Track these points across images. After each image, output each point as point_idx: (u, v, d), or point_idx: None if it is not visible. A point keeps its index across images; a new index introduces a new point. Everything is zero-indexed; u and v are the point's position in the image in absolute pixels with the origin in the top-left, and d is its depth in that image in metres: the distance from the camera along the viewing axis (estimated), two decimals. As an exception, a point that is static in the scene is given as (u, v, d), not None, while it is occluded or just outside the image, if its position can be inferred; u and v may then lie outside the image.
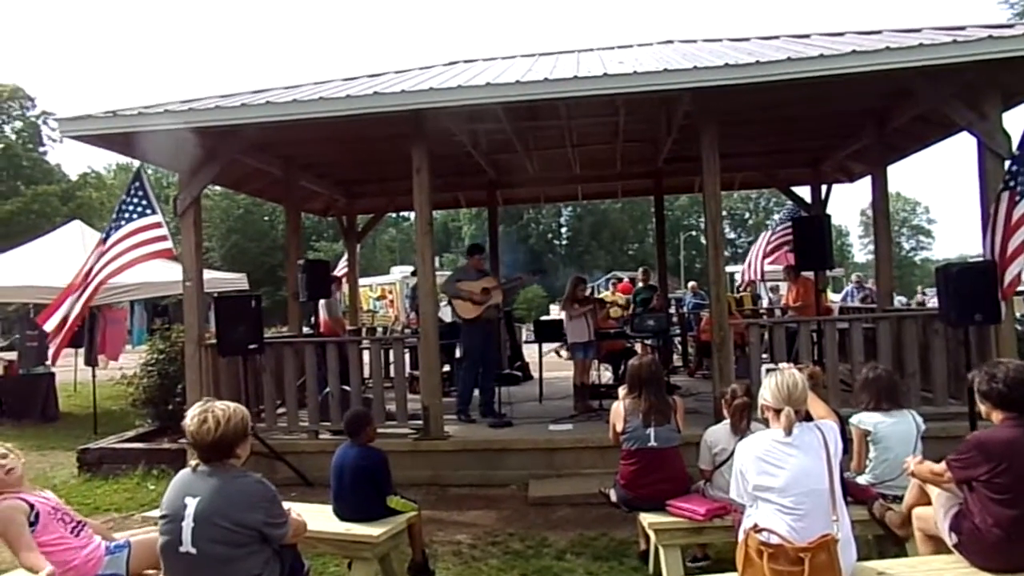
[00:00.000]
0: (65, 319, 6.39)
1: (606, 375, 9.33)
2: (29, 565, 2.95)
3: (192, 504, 2.55)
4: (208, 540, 2.51)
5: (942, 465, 3.13)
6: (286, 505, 3.23)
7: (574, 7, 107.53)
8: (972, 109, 5.55)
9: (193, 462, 2.68)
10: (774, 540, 2.78)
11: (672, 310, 12.65)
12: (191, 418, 2.64)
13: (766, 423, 3.11)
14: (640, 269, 12.32)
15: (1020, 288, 5.68)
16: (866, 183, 8.27)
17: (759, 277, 12.04)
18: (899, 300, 17.69)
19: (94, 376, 9.84)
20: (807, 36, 6.68)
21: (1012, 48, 5.03)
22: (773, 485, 2.83)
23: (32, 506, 3.09)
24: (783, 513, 2.80)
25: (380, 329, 15.49)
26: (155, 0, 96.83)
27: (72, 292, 6.46)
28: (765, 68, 5.34)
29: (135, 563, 3.21)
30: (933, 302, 16.18)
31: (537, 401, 8.37)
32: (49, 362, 7.05)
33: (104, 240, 6.40)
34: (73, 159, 73.72)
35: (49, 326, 6.48)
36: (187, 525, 2.53)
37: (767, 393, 3.00)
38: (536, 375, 9.18)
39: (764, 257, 11.43)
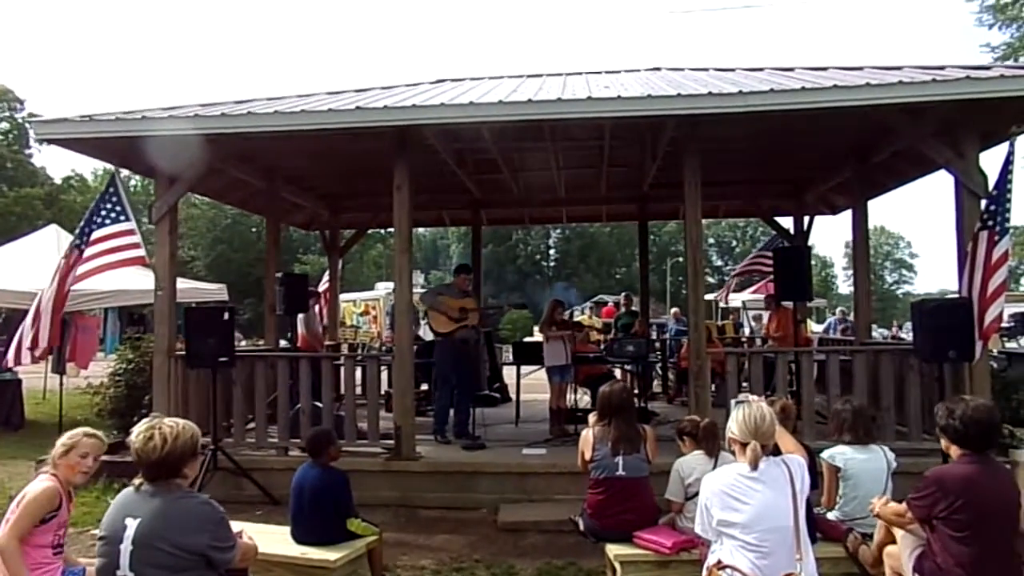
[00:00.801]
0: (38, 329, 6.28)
1: (584, 399, 9.26)
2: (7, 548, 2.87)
3: (132, 526, 2.43)
4: (147, 564, 2.40)
5: (903, 506, 3.12)
6: (239, 526, 3.12)
7: (567, 32, 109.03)
8: (950, 147, 5.61)
9: (137, 481, 2.57)
10: (737, 578, 2.71)
11: (654, 335, 12.64)
12: (136, 434, 2.54)
13: (734, 455, 3.05)
14: (622, 294, 12.32)
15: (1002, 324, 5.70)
16: (849, 216, 8.33)
17: (725, 300, 12.09)
18: (879, 333, 17.85)
19: (61, 384, 9.62)
20: (791, 69, 6.75)
21: (989, 89, 5.09)
22: (737, 520, 2.77)
23: (59, 506, 3.05)
24: (746, 550, 2.74)
25: (360, 345, 15.36)
26: (154, 10, 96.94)
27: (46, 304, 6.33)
28: (748, 99, 5.36)
29: None
30: (905, 335, 16.41)
31: (513, 424, 8.27)
32: (11, 364, 6.87)
33: (79, 247, 6.24)
34: (59, 162, 73.17)
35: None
36: (125, 548, 2.41)
37: (734, 426, 2.95)
38: (514, 397, 9.09)
39: (733, 278, 11.48)
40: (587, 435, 4.11)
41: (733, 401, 3.53)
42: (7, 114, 39.63)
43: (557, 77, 7.76)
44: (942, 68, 5.68)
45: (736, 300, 18.05)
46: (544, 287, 45.75)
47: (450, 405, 7.26)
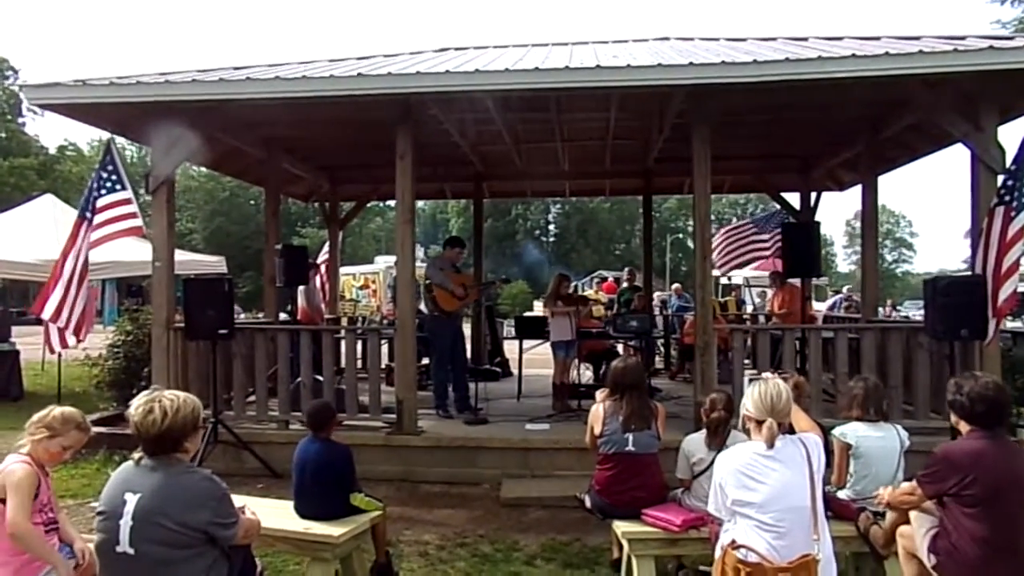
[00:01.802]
0: (62, 304, 6.13)
1: (587, 375, 9.21)
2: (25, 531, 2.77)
3: (132, 501, 2.36)
4: (148, 540, 2.32)
5: (912, 484, 3.08)
6: (241, 501, 3.05)
7: (571, 4, 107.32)
8: (969, 121, 5.47)
9: (136, 455, 2.48)
10: (752, 558, 2.65)
11: (657, 312, 12.56)
12: (136, 407, 2.45)
13: (748, 433, 2.98)
14: (625, 269, 12.22)
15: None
16: (852, 193, 8.21)
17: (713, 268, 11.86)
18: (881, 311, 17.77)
19: (60, 356, 9.54)
20: (805, 39, 6.56)
21: (1012, 60, 4.94)
22: (753, 500, 2.70)
23: (38, 486, 2.88)
24: (762, 530, 2.67)
25: (360, 318, 15.29)
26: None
27: (59, 277, 6.17)
28: (762, 68, 5.21)
29: (83, 570, 3.00)
30: (895, 316, 16.27)
31: (515, 399, 8.23)
32: (59, 349, 6.69)
33: (88, 219, 6.09)
34: (54, 132, 72.02)
35: (46, 313, 6.21)
36: (125, 523, 2.33)
37: (749, 403, 2.88)
38: (516, 371, 9.04)
39: (731, 258, 11.24)
40: (597, 410, 4.03)
41: (747, 376, 3.46)
42: (3, 81, 38.99)
43: (563, 46, 7.57)
44: (963, 38, 5.52)
45: (738, 276, 17.97)
46: (544, 263, 45.65)
47: (448, 380, 7.21)
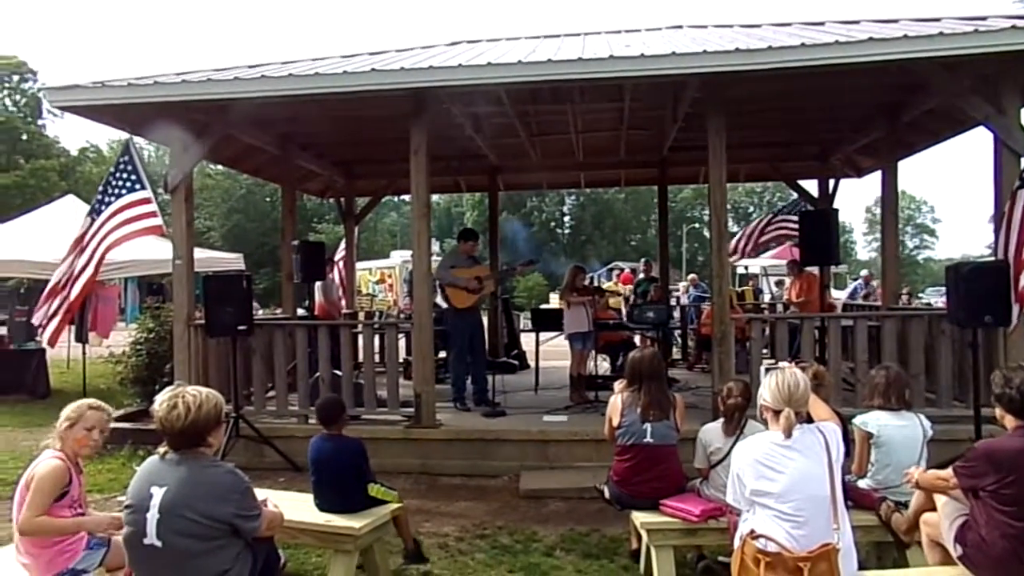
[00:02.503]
0: (62, 303, 6.27)
1: (604, 366, 9.21)
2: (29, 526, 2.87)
3: (158, 494, 2.41)
4: (174, 532, 2.38)
5: (948, 471, 3.02)
6: (264, 494, 3.10)
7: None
8: (990, 103, 5.36)
9: (162, 449, 2.54)
10: (772, 548, 2.64)
11: (674, 302, 12.51)
12: (160, 403, 2.51)
13: (766, 423, 2.96)
14: (642, 261, 12.17)
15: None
16: (872, 179, 8.10)
17: (744, 254, 11.74)
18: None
19: (84, 354, 9.73)
20: (821, 23, 6.48)
21: (1036, 40, 4.83)
22: (771, 490, 2.69)
23: (70, 482, 2.99)
24: (782, 520, 2.66)
25: (378, 313, 15.36)
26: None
27: (61, 285, 6.32)
28: (778, 54, 5.15)
29: (112, 560, 3.07)
30: (915, 303, 15.99)
31: (532, 391, 8.24)
32: (46, 344, 6.89)
33: (94, 218, 6.21)
34: (74, 134, 73.08)
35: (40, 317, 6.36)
36: (152, 516, 2.39)
37: (767, 393, 2.86)
38: (533, 364, 9.05)
39: (755, 243, 11.15)
40: (615, 401, 4.03)
41: (764, 366, 3.43)
42: (14, 86, 39.52)
43: (576, 37, 7.52)
44: (984, 19, 5.41)
45: (755, 266, 17.83)
46: (559, 254, 45.53)
47: (465, 373, 7.23)
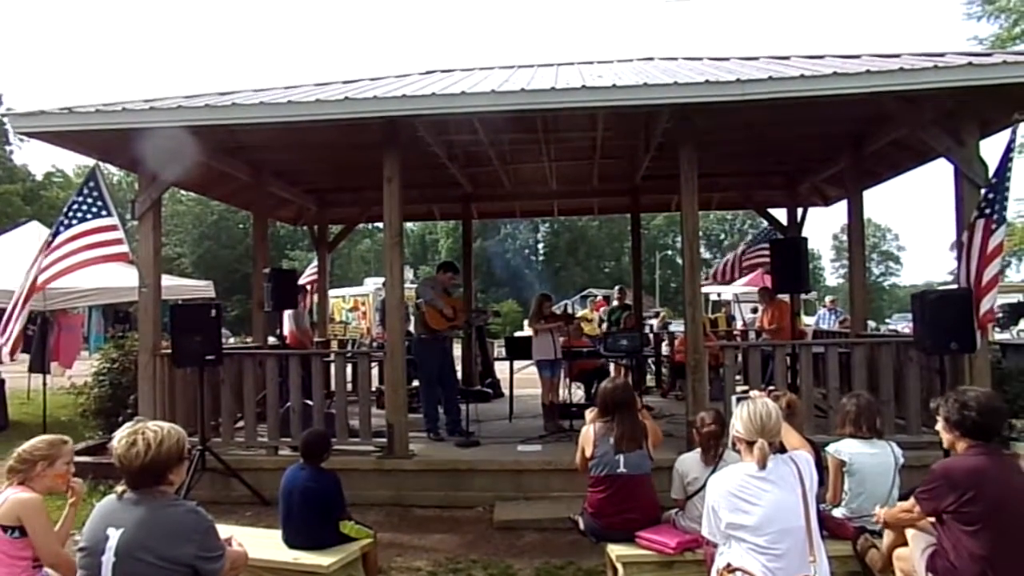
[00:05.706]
0: (12, 309, 6.12)
1: (578, 394, 9.17)
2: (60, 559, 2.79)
3: (115, 536, 2.30)
4: (130, 577, 2.27)
5: (910, 501, 3.03)
6: (229, 531, 2.99)
7: (556, 23, 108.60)
8: (950, 136, 5.53)
9: (119, 488, 2.43)
10: (748, 581, 2.61)
11: (647, 330, 12.56)
12: (119, 439, 2.40)
13: (739, 453, 2.95)
14: (616, 288, 12.23)
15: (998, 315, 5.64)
16: (839, 208, 8.27)
17: (722, 279, 11.86)
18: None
19: (45, 384, 9.41)
20: (787, 58, 6.65)
21: (990, 76, 5.01)
22: (747, 523, 2.67)
23: None
24: (758, 553, 2.64)
25: (351, 341, 15.19)
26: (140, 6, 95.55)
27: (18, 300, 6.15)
28: (746, 87, 5.26)
29: None
30: (882, 330, 16.22)
31: (507, 419, 8.16)
32: (6, 355, 6.68)
33: (50, 242, 6.07)
34: (40, 158, 71.48)
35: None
36: (107, 560, 2.27)
37: (739, 424, 2.85)
38: (507, 392, 8.98)
39: (739, 268, 11.29)
40: (587, 432, 4.00)
41: (734, 397, 3.43)
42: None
43: (549, 67, 7.61)
44: (942, 55, 5.60)
45: (727, 293, 18.01)
46: (534, 282, 45.68)
47: (436, 402, 7.15)
